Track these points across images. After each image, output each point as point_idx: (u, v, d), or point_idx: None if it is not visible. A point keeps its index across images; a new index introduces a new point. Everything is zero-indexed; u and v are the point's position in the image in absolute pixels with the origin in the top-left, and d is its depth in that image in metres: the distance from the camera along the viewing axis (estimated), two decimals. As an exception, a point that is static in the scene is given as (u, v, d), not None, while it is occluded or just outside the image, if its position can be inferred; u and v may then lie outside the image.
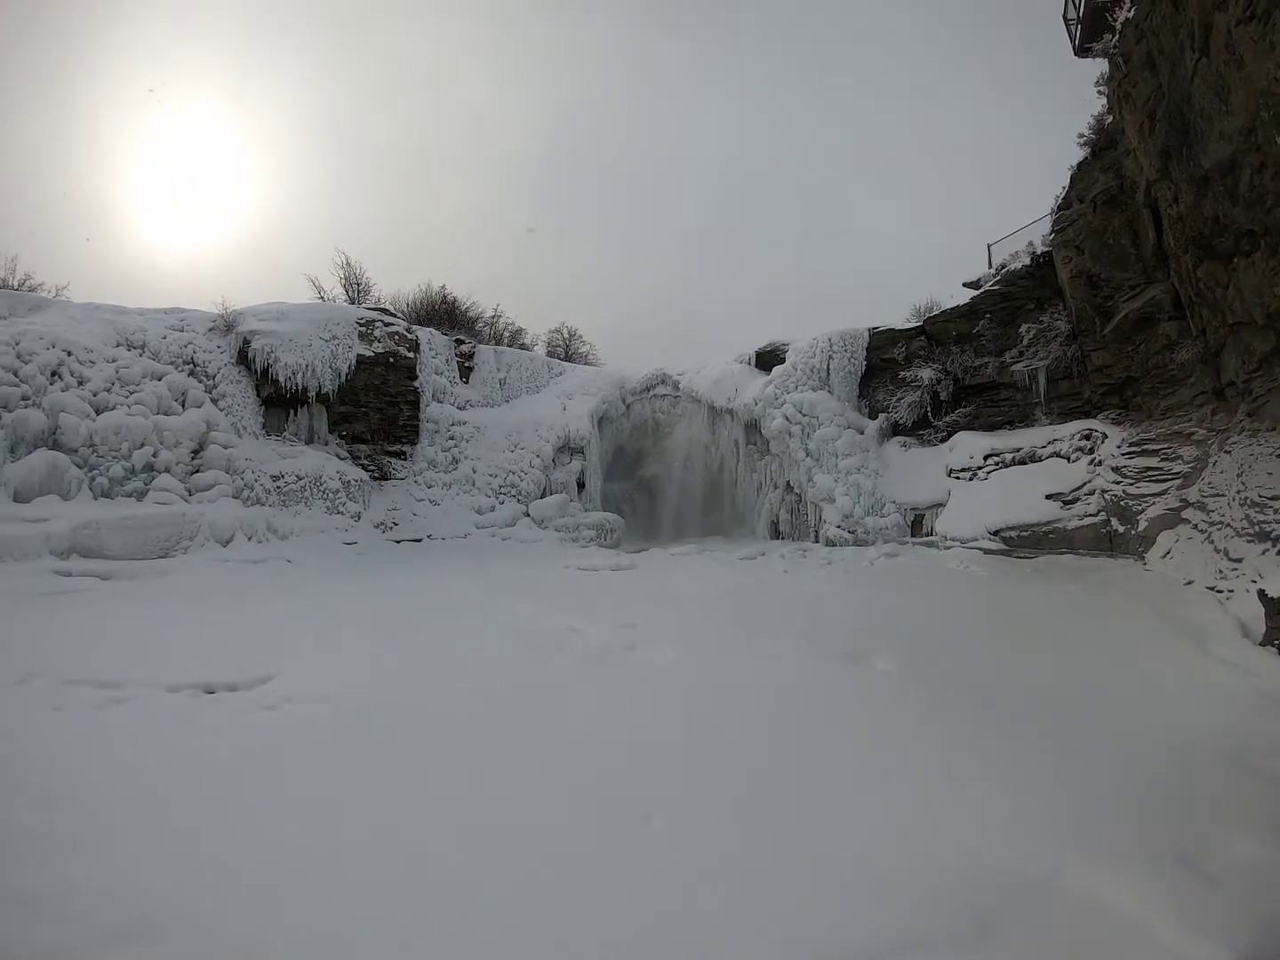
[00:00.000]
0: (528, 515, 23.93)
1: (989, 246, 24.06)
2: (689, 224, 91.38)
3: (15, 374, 17.81)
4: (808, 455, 23.61)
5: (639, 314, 73.10)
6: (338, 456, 22.20)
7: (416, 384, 24.30)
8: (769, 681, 7.31)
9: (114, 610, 11.33)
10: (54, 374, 18.24)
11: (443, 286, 30.27)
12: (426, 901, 3.57)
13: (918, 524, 21.19)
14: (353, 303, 26.04)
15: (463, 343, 27.50)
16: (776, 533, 24.85)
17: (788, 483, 24.64)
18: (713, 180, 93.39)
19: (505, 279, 76.83)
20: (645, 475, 28.74)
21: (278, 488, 19.85)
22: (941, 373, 22.48)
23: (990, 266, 23.35)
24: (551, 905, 3.55)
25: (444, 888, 3.69)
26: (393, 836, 4.19)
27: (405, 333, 24.51)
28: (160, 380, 19.38)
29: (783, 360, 25.84)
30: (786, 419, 24.04)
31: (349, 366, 22.17)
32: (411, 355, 24.16)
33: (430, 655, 8.55)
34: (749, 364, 27.38)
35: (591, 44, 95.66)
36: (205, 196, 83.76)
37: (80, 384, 18.46)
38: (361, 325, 23.23)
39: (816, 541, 22.70)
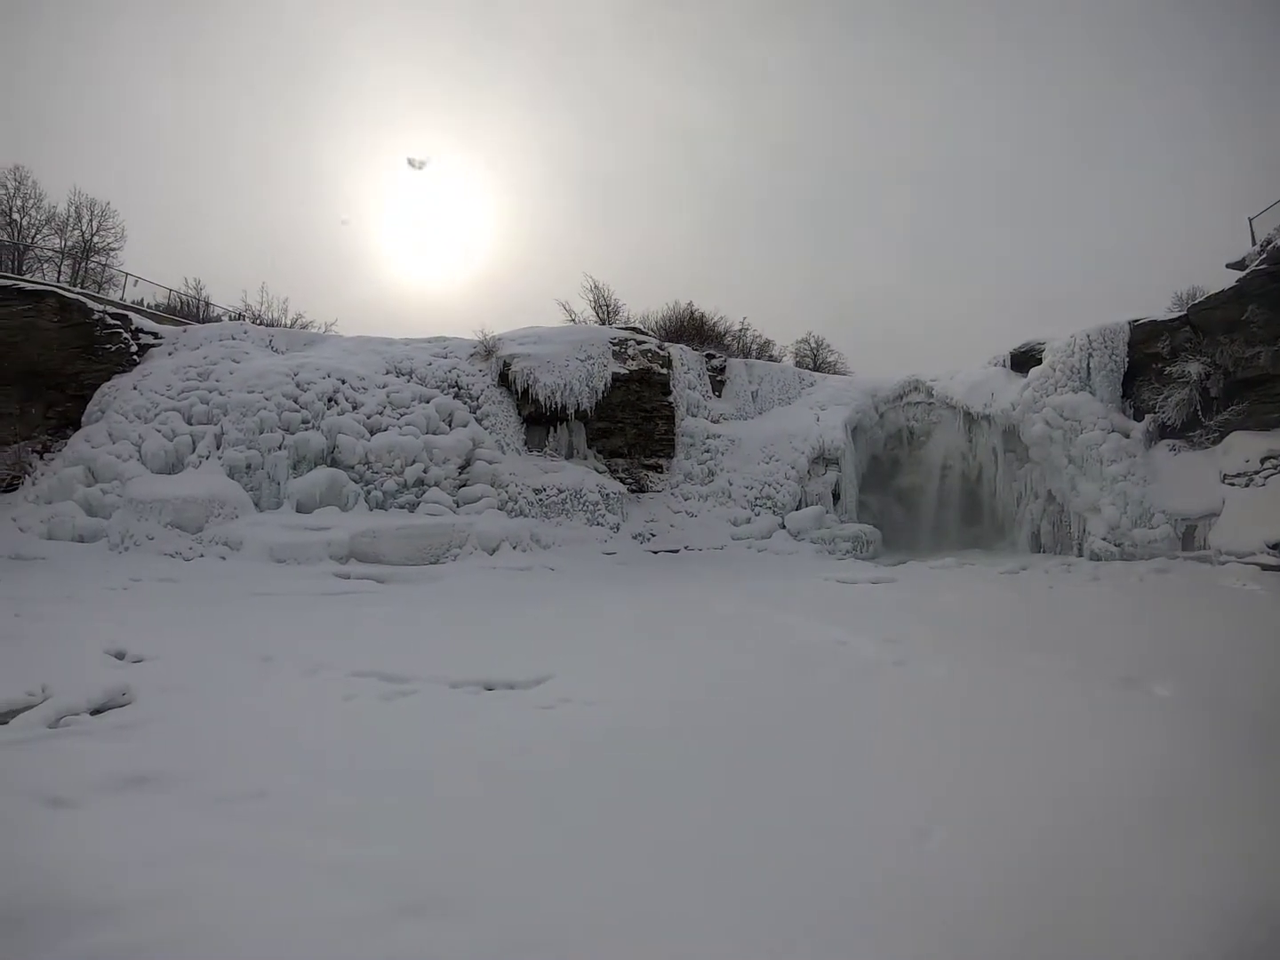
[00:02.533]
0: (783, 527, 22.59)
1: (1250, 220, 20.56)
2: (901, 228, 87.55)
3: (296, 400, 19.27)
4: (1070, 462, 20.64)
5: (878, 321, 70.60)
6: (596, 470, 22.11)
7: (671, 399, 23.88)
8: (1046, 706, 6.26)
9: (392, 610, 11.77)
10: (331, 400, 19.47)
11: (689, 303, 30.10)
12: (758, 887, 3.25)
13: (1189, 536, 18.14)
14: (603, 324, 26.23)
15: (713, 357, 26.98)
16: (1038, 545, 21.92)
17: (1049, 492, 21.75)
18: (932, 180, 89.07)
19: (742, 292, 76.73)
20: (901, 486, 26.66)
21: (540, 500, 19.88)
22: (1210, 366, 19.04)
23: (1254, 243, 19.76)
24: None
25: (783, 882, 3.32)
26: (688, 831, 3.89)
27: (657, 349, 24.26)
28: (428, 403, 20.26)
29: (1039, 361, 22.91)
30: (1047, 424, 21.14)
31: (605, 384, 22.08)
32: (665, 371, 23.82)
33: (697, 663, 8.16)
34: (1004, 366, 24.68)
35: (806, 60, 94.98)
36: (448, 234, 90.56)
37: (355, 408, 19.56)
38: (615, 344, 23.19)
39: (1080, 555, 19.79)
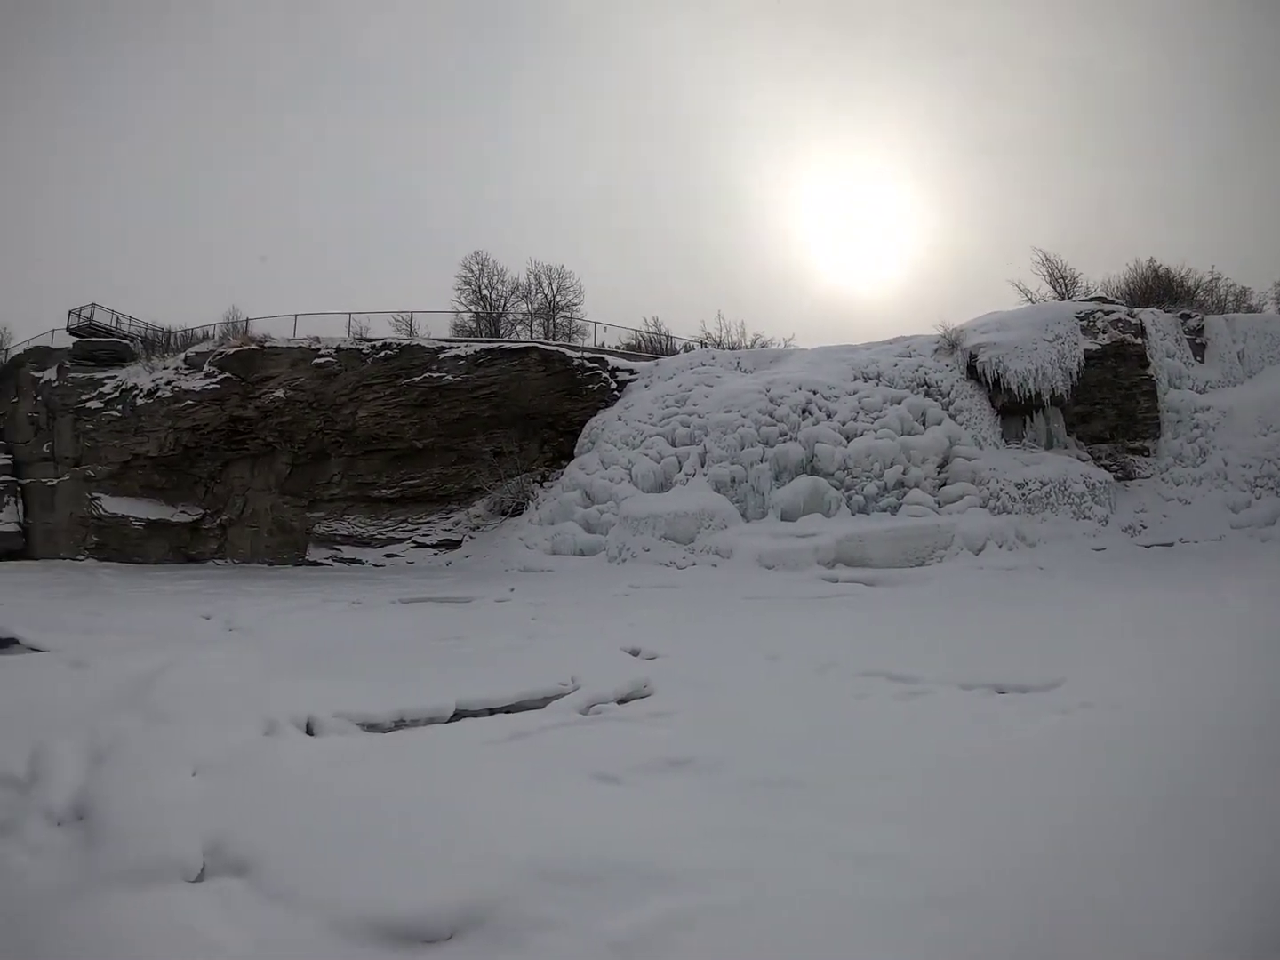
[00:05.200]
0: (1292, 511, 19.69)
1: None
2: None
3: (771, 415, 20.26)
4: None
5: None
6: (1079, 459, 20.74)
7: (1149, 371, 21.61)
8: None
9: (885, 612, 11.89)
10: (804, 411, 20.22)
11: (1150, 260, 27.19)
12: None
13: None
14: (1062, 298, 24.45)
15: (1188, 317, 23.94)
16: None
17: None
18: None
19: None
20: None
21: (1022, 495, 19.08)
22: None
23: None
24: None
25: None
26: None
27: (1127, 318, 22.09)
28: (899, 404, 20.28)
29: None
30: None
31: (1078, 364, 20.58)
32: (1139, 341, 21.63)
33: (1231, 670, 6.78)
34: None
35: None
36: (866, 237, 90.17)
37: (829, 416, 20.06)
38: (1081, 319, 21.50)
39: None
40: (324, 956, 2.78)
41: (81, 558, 28.09)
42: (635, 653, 8.22)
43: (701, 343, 29.73)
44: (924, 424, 19.97)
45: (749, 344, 29.63)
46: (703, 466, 20.46)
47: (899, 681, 6.77)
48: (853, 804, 3.95)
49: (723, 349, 26.96)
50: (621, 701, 6.27)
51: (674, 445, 21.12)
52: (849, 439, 19.68)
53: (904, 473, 19.13)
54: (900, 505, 18.81)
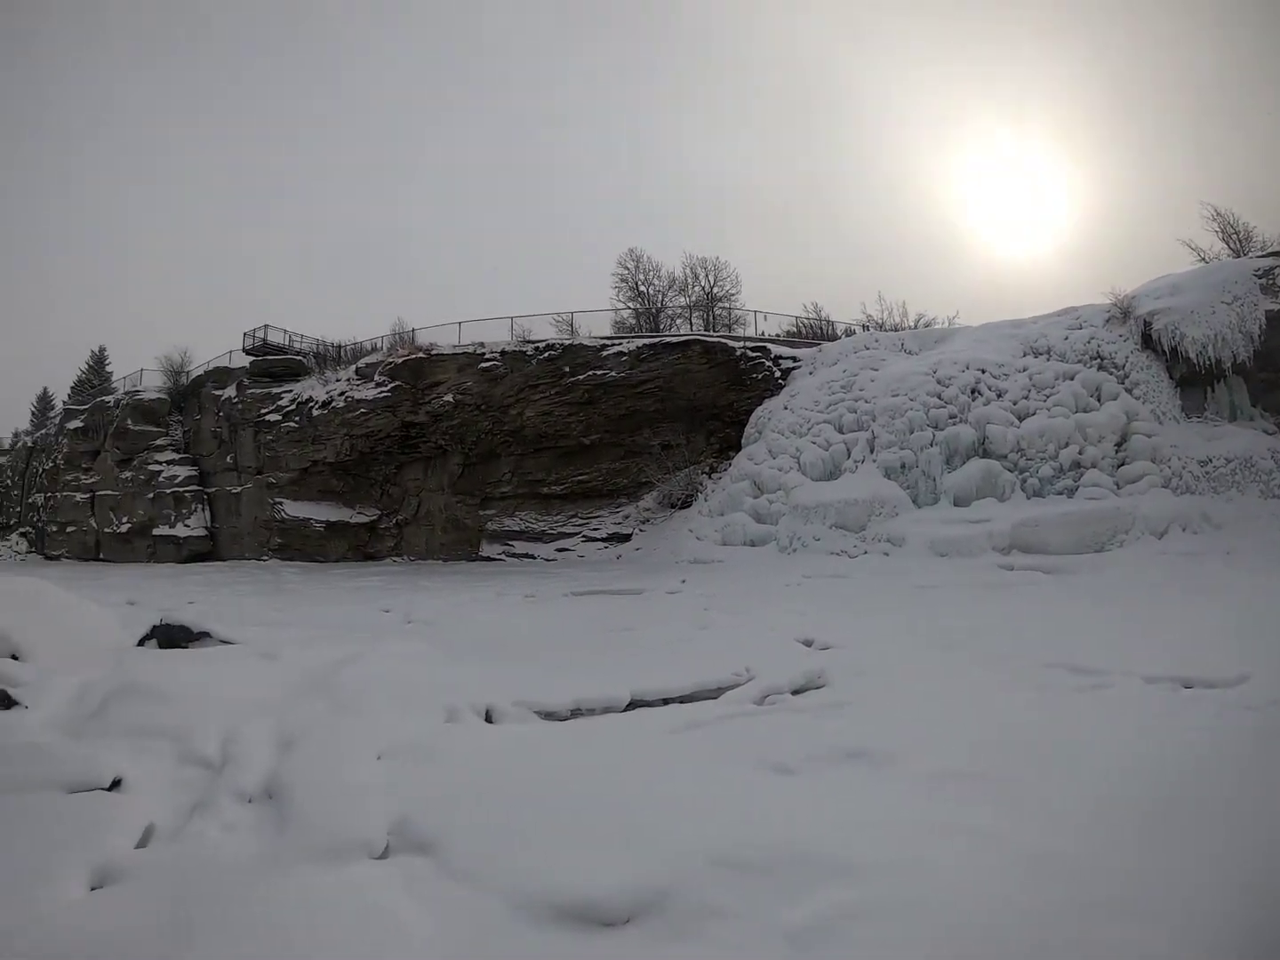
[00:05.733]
0: None
1: None
2: None
3: (939, 397, 20.04)
4: None
5: None
6: (1265, 432, 19.70)
7: (1343, 330, 20.51)
8: None
9: (1063, 601, 11.38)
10: (973, 391, 19.95)
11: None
12: None
13: None
14: (1237, 255, 23.26)
15: (1383, 267, 22.42)
16: None
17: None
18: None
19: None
20: None
21: (1206, 473, 18.34)
22: None
23: None
24: None
25: None
26: None
27: (1313, 272, 20.95)
28: (1072, 379, 19.70)
29: None
30: None
31: (1259, 327, 19.56)
32: (1328, 297, 20.52)
33: None
34: None
35: None
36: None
37: (999, 396, 19.74)
38: (1260, 277, 20.46)
39: None
40: (505, 934, 2.89)
41: (265, 558, 30.42)
42: (808, 643, 8.16)
43: (863, 326, 29.52)
44: (1099, 400, 19.34)
45: (912, 324, 29.22)
46: (871, 453, 20.50)
47: (1080, 674, 6.59)
48: (1033, 802, 3.86)
49: (885, 330, 26.75)
50: (795, 692, 6.22)
51: (841, 432, 21.25)
52: (1021, 419, 19.35)
53: (1080, 452, 18.65)
54: (1077, 487, 18.38)
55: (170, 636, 8.00)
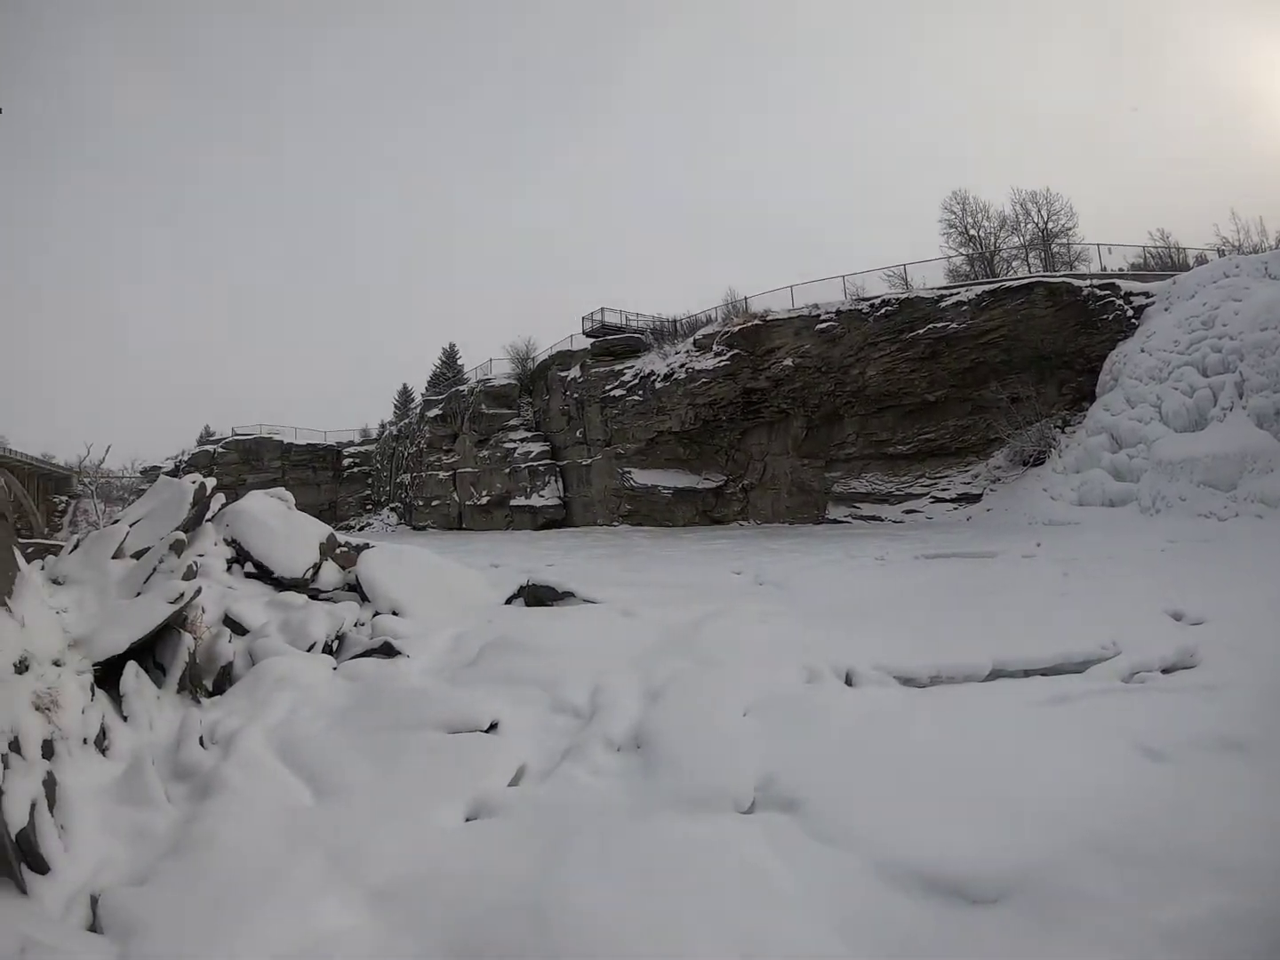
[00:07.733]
0: None
1: None
2: None
3: None
4: None
5: None
6: None
7: None
8: None
9: None
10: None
11: None
12: None
13: None
14: None
15: None
16: None
17: None
18: None
19: None
20: None
21: None
22: None
23: None
24: None
25: None
26: None
27: None
28: None
29: None
30: None
31: None
32: None
33: None
34: None
35: None
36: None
37: None
38: None
39: None
40: (869, 899, 2.91)
41: (615, 524, 33.14)
42: (1178, 616, 7.47)
43: (1219, 250, 26.48)
44: None
45: (1272, 244, 26.39)
46: (1240, 398, 17.97)
47: None
48: None
49: (1243, 254, 24.28)
50: (1165, 671, 5.80)
51: (1205, 375, 19.00)
52: None
53: None
54: None
55: (537, 595, 8.91)
